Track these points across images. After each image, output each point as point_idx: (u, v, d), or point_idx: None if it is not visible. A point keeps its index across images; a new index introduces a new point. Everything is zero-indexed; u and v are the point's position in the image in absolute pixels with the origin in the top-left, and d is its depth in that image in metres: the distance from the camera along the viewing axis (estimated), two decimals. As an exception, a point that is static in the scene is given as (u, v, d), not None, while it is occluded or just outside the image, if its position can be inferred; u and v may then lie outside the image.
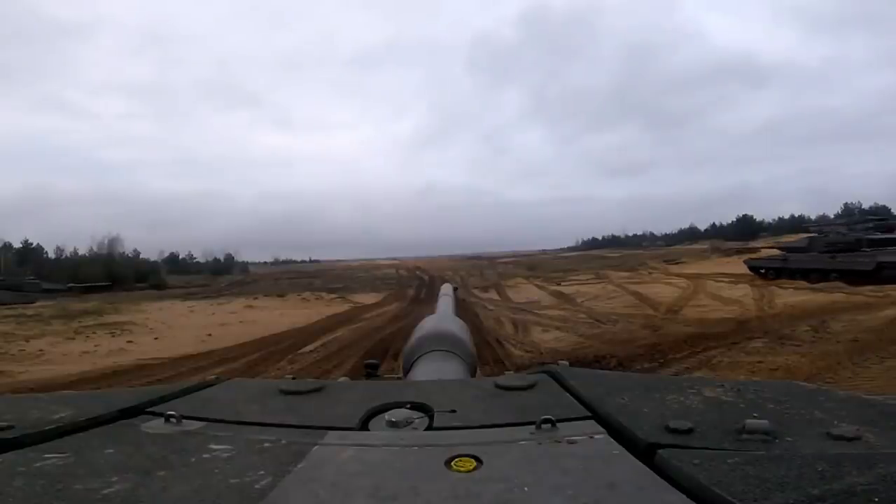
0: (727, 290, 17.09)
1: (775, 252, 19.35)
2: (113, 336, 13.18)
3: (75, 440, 0.60)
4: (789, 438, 0.51)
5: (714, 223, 52.65)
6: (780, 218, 48.66)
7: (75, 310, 19.06)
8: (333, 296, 23.34)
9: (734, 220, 49.94)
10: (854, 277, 14.57)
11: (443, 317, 1.69)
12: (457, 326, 1.50)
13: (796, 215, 47.26)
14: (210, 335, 12.64)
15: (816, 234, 18.31)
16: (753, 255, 21.25)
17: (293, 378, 0.81)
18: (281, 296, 24.43)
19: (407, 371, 1.29)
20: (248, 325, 14.34)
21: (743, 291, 16.44)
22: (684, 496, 0.43)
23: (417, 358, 1.29)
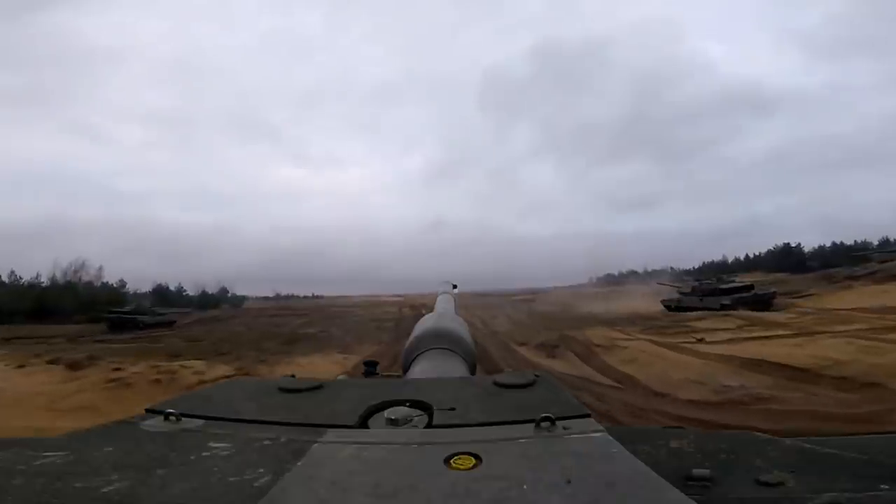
0: None
1: (675, 296, 32.12)
2: None
3: (74, 438, 0.62)
4: (725, 485, 0.59)
5: (748, 254, 52.66)
6: (821, 246, 48.69)
7: None
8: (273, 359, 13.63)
9: (770, 249, 50.04)
10: (714, 310, 25.60)
11: (442, 315, 1.70)
12: (456, 324, 1.51)
13: (838, 243, 47.47)
14: None
15: (697, 284, 31.53)
16: (664, 298, 32.80)
17: (292, 376, 0.83)
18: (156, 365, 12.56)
19: (406, 369, 1.29)
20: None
21: None
22: (683, 495, 0.46)
23: (416, 356, 1.30)
